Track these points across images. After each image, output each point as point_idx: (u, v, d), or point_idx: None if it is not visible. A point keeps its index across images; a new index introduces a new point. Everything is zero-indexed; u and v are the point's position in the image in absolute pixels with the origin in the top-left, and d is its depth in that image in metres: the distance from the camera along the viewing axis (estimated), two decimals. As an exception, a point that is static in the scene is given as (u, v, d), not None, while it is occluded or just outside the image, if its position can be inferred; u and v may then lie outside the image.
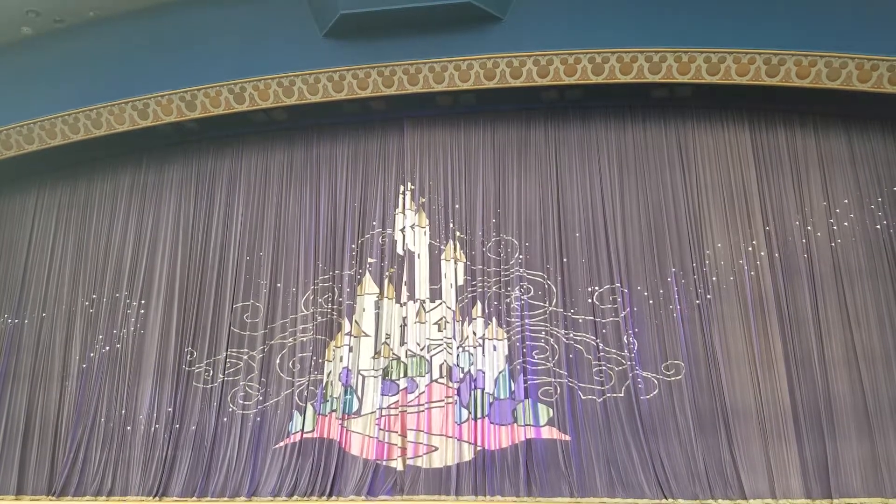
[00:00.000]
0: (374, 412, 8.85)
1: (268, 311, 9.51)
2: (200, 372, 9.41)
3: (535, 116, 9.63)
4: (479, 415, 8.59)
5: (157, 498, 8.71)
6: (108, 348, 9.76)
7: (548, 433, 8.45)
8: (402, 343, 9.06)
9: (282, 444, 8.89)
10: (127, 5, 9.40)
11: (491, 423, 8.57)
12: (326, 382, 9.11)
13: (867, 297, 8.40)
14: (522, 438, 8.43)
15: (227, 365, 9.36)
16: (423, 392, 8.83)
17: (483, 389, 8.71)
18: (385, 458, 8.60)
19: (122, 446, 9.23)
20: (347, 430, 8.82)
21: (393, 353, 9.07)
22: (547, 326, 8.84)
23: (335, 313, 9.35)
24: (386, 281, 9.35)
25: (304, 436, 8.86)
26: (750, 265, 8.69)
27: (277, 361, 9.29)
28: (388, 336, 9.13)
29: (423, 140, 9.79)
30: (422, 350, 8.99)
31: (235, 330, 9.51)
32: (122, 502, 8.79)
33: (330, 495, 8.34)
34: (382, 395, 8.90)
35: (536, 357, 8.75)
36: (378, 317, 9.24)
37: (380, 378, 8.99)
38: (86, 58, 9.63)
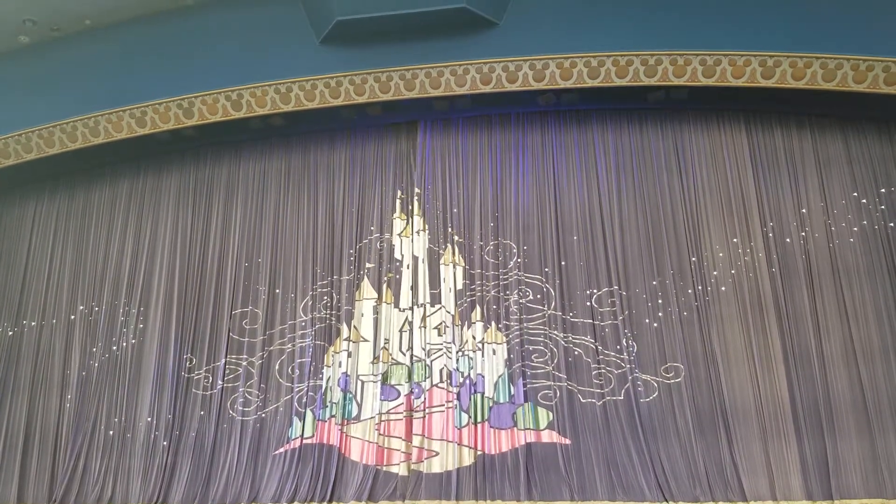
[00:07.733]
0: (374, 417, 8.84)
1: (266, 317, 9.51)
2: (200, 379, 9.41)
3: (531, 120, 9.65)
4: (479, 419, 8.59)
5: (157, 505, 8.71)
6: (107, 356, 9.76)
7: (548, 437, 8.44)
8: (409, 349, 9.02)
9: (281, 450, 8.88)
10: (124, 14, 9.42)
11: (491, 427, 8.56)
12: (326, 388, 9.11)
13: (865, 296, 8.39)
14: (522, 442, 8.41)
15: (227, 371, 9.36)
16: (424, 397, 8.83)
17: (483, 393, 8.71)
18: (385, 463, 8.60)
19: (122, 454, 9.21)
20: (347, 436, 8.82)
21: (392, 358, 9.07)
22: (546, 330, 8.83)
23: (334, 319, 9.36)
24: (384, 286, 9.36)
25: (304, 441, 8.85)
26: (748, 266, 8.69)
27: (276, 367, 9.29)
28: (386, 341, 9.13)
29: (420, 145, 9.80)
30: (422, 354, 8.99)
31: (234, 336, 9.52)
32: (122, 510, 8.79)
33: (330, 501, 8.33)
34: (382, 400, 8.90)
35: (535, 360, 8.75)
36: (377, 322, 9.24)
37: (379, 383, 8.99)
38: (83, 66, 9.63)
